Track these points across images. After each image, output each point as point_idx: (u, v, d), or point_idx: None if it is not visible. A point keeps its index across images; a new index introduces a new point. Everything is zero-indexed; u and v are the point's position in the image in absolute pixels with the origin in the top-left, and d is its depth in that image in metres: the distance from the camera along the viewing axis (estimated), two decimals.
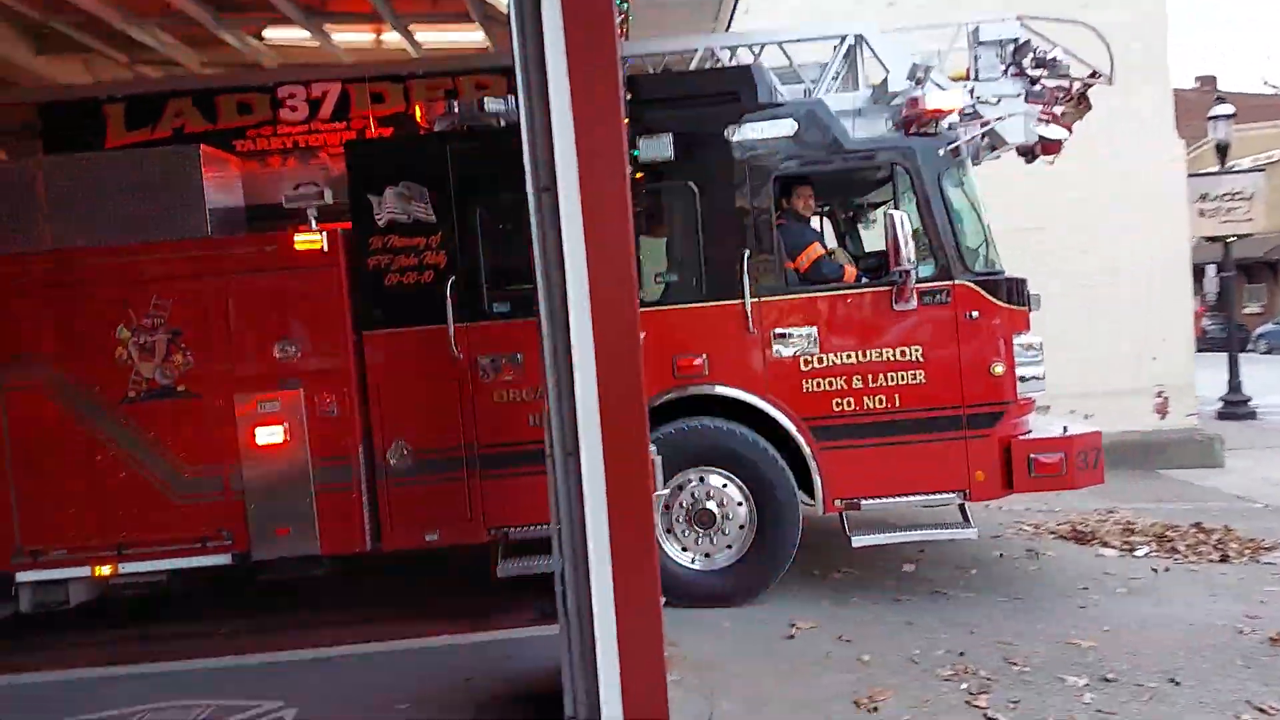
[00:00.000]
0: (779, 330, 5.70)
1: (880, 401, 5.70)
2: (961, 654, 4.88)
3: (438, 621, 5.68)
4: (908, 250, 5.35)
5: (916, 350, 5.68)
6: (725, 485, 5.74)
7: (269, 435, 5.69)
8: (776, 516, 5.68)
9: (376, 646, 5.40)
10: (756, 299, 5.67)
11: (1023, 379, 5.77)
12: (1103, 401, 9.95)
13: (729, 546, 5.75)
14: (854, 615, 5.61)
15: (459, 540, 5.84)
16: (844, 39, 6.43)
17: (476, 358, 5.75)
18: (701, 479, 5.75)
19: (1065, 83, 6.80)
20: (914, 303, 5.64)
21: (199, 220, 5.74)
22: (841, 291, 5.76)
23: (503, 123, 5.92)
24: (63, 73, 8.16)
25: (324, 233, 5.67)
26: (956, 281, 5.66)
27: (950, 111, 5.64)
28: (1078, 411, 8.91)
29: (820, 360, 5.70)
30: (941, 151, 5.67)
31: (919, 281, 5.67)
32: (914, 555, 6.68)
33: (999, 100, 6.49)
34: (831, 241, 7.24)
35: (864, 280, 5.84)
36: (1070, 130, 7.08)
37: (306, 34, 7.67)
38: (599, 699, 3.35)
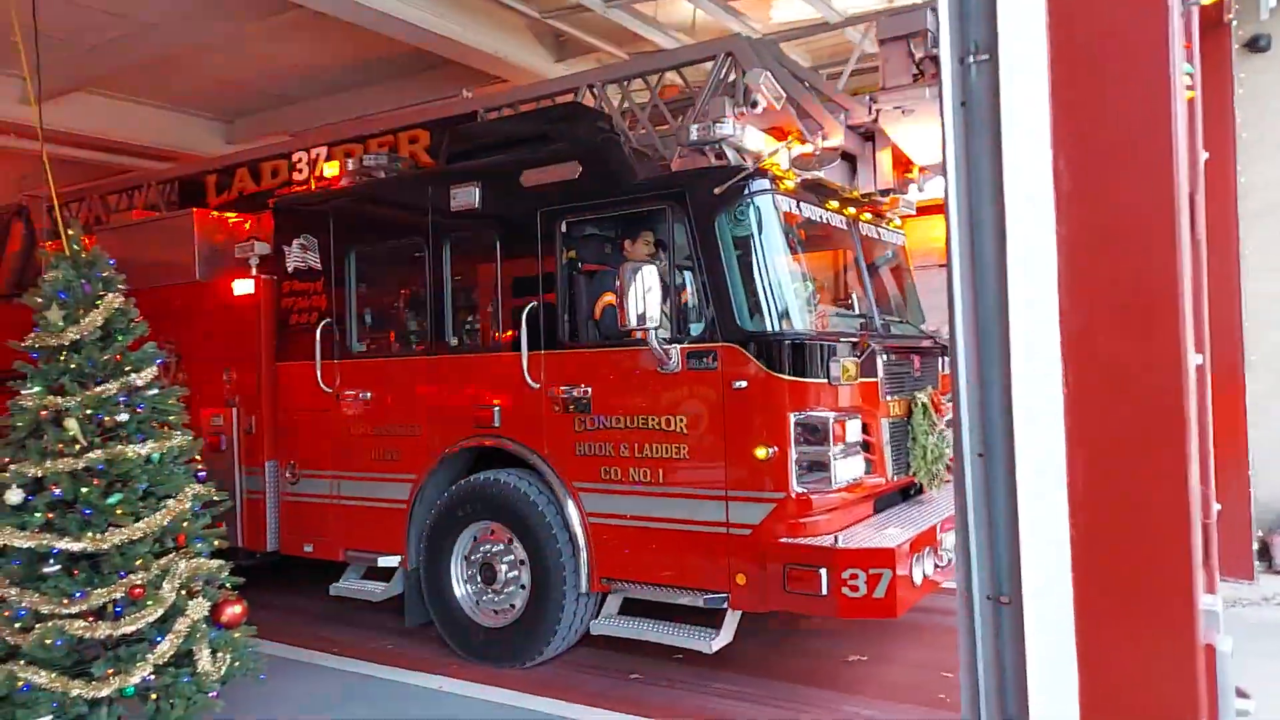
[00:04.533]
0: (556, 386, 5.33)
1: (645, 474, 5.02)
2: None
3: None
4: (634, 308, 4.62)
5: (681, 420, 4.89)
6: (512, 541, 5.54)
7: (215, 444, 7.00)
8: (545, 585, 5.32)
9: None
10: (537, 351, 5.38)
11: (805, 468, 4.61)
12: None
13: (512, 606, 5.53)
14: None
15: (324, 556, 6.51)
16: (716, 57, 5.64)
17: (341, 392, 6.36)
18: (494, 533, 5.62)
19: None
20: (678, 365, 4.86)
21: (189, 269, 7.25)
22: (612, 348, 5.19)
23: (383, 175, 6.43)
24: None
25: (253, 279, 6.80)
26: (721, 343, 4.74)
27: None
28: None
29: (593, 422, 5.21)
30: (718, 191, 4.78)
31: (691, 341, 4.89)
32: None
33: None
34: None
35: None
36: None
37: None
38: None
